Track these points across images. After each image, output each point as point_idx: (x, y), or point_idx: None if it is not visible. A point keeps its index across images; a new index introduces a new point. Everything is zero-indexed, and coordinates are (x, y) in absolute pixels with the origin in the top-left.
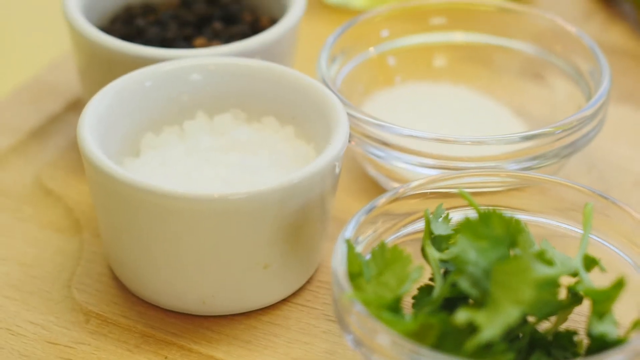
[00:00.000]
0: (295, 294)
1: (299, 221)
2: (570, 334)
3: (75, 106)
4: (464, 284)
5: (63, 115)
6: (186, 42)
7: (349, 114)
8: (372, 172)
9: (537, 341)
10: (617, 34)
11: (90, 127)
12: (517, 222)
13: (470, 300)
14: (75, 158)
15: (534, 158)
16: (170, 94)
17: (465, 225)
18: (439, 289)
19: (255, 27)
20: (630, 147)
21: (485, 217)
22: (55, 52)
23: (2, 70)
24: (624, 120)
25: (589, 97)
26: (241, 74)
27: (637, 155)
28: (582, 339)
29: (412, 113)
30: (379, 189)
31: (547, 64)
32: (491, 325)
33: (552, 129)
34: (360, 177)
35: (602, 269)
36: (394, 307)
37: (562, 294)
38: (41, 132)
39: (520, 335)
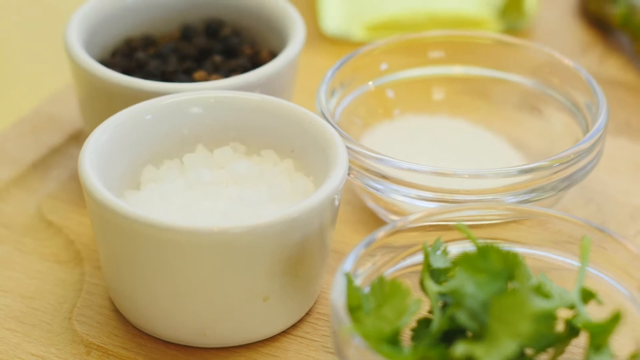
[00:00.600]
0: (294, 326)
1: (298, 254)
2: None
3: (76, 138)
4: (462, 317)
5: (64, 147)
6: (186, 75)
7: (347, 147)
8: (370, 204)
9: None
10: (614, 66)
11: (91, 160)
12: (515, 255)
13: (469, 333)
14: (76, 190)
15: (532, 191)
16: (170, 127)
17: (464, 259)
18: (437, 322)
19: (255, 61)
20: (627, 180)
21: (483, 251)
22: (56, 85)
23: (3, 102)
24: (621, 152)
25: (586, 130)
26: (241, 108)
27: (633, 187)
28: None
29: (410, 146)
30: (377, 221)
31: (544, 96)
32: (489, 358)
33: (549, 162)
34: (359, 209)
35: (600, 302)
36: (393, 340)
37: (560, 327)
38: (42, 164)
39: None
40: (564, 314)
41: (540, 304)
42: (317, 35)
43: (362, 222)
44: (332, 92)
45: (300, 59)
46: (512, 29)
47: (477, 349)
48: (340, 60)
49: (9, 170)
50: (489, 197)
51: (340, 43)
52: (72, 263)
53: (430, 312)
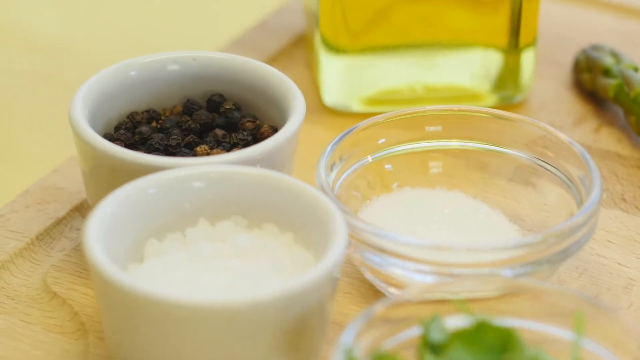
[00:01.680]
0: None
1: (298, 327)
2: None
3: (80, 210)
4: None
5: (68, 218)
6: (189, 149)
7: (347, 221)
8: (368, 276)
9: None
10: (608, 138)
11: (96, 234)
12: (510, 330)
13: None
14: (80, 262)
15: (528, 264)
16: (173, 201)
17: (460, 334)
18: None
19: (256, 135)
20: (621, 252)
21: (479, 326)
22: (61, 157)
23: (9, 175)
24: (615, 224)
25: (580, 202)
26: (242, 182)
27: (627, 259)
28: None
29: (408, 218)
30: (375, 292)
31: (539, 169)
32: None
33: (544, 236)
34: (357, 280)
35: None
36: None
37: None
38: (47, 236)
39: None
40: None
41: None
42: (318, 106)
43: (360, 294)
44: (331, 166)
45: (300, 131)
46: (507, 101)
47: None
48: (340, 135)
49: (14, 242)
50: (486, 270)
51: (340, 114)
52: (77, 334)
53: None
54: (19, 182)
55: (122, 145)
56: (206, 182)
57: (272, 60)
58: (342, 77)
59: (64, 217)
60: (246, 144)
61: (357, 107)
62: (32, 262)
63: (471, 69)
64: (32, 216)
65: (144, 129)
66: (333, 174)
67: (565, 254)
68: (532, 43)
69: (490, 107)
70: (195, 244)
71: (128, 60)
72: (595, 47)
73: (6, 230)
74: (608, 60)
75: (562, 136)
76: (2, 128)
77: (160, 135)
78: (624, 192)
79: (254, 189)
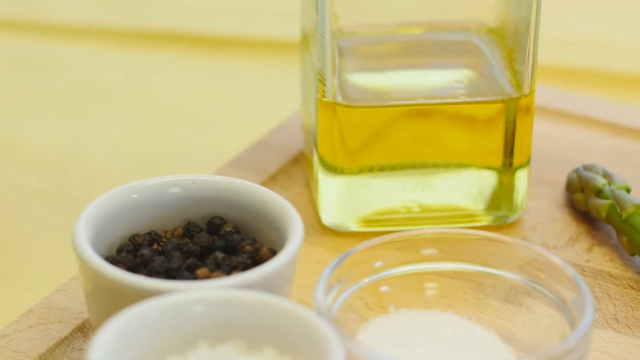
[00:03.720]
0: None
1: None
2: None
3: (82, 330)
4: None
5: (70, 338)
6: (189, 271)
7: (344, 345)
8: None
9: None
10: (601, 258)
11: (98, 357)
12: None
13: None
14: None
15: None
16: (174, 325)
17: None
18: None
19: (256, 257)
20: None
21: None
22: (64, 276)
23: (11, 294)
24: (607, 344)
25: (572, 325)
26: (242, 307)
27: None
28: None
29: (405, 340)
30: None
31: (532, 291)
32: None
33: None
34: None
35: None
36: None
37: None
38: (49, 356)
39: None
40: None
41: None
42: (316, 225)
43: None
44: (329, 289)
45: (299, 252)
46: (502, 221)
47: None
48: (337, 259)
49: None
50: None
51: (338, 234)
52: None
53: None
54: (21, 302)
55: (124, 268)
56: (207, 306)
57: (270, 180)
58: (339, 197)
59: (66, 337)
60: (245, 266)
61: (354, 227)
62: None
63: (466, 189)
64: (34, 336)
65: (145, 251)
66: (331, 297)
67: None
68: (526, 163)
69: (484, 227)
70: None
71: (130, 184)
72: (588, 167)
73: (9, 350)
74: (600, 181)
75: (555, 259)
76: (4, 246)
77: (162, 258)
78: (616, 311)
79: (253, 313)
